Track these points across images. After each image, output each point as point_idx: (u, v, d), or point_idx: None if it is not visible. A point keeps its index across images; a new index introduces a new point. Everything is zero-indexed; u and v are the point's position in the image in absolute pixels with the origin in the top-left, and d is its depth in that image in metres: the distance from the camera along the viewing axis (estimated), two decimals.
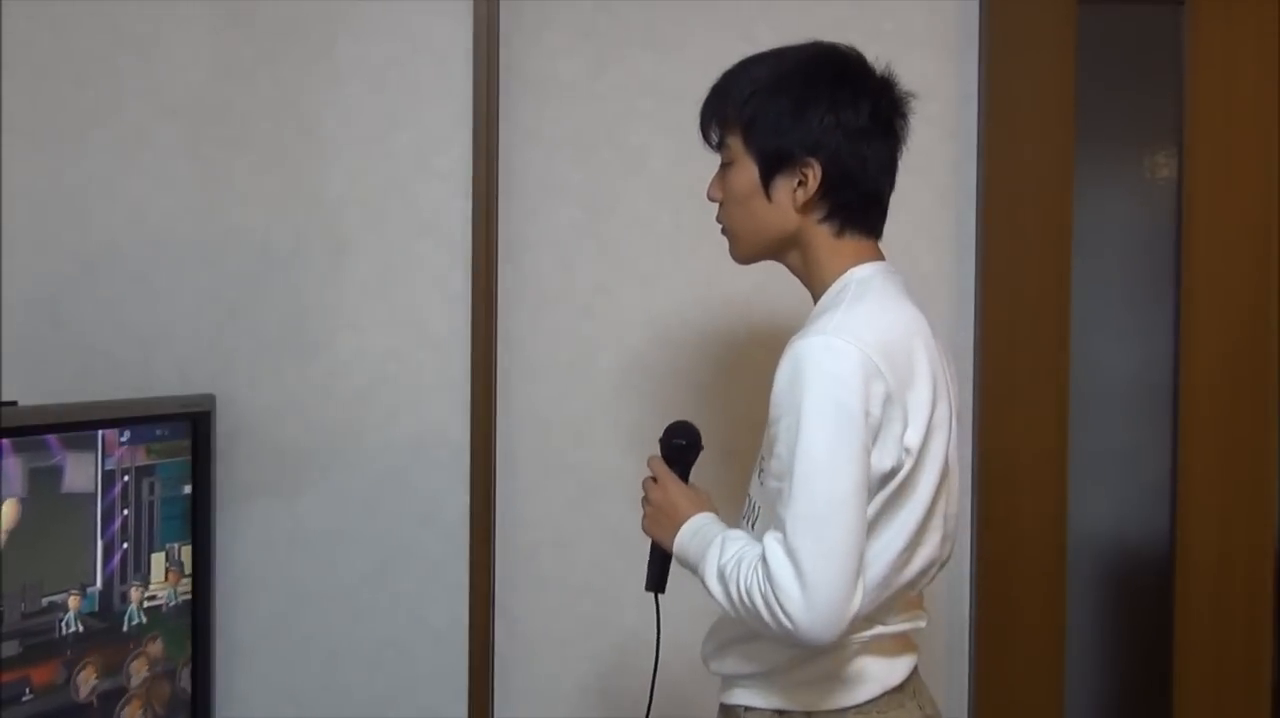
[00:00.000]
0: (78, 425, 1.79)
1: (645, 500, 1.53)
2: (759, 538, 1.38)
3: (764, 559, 1.30)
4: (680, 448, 1.56)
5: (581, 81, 2.14)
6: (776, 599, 1.27)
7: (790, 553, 1.28)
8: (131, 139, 2.10)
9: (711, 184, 1.51)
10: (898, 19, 2.15)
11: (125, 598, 1.87)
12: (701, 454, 1.58)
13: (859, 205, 1.44)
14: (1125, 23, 2.26)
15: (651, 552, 1.55)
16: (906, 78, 1.48)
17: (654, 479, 1.53)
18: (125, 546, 1.87)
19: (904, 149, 1.48)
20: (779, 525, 1.30)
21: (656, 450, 1.57)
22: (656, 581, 1.56)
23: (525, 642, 2.16)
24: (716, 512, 1.48)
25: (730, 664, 1.48)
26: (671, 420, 1.59)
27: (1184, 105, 2.19)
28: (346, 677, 2.15)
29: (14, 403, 1.82)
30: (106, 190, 2.10)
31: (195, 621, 1.99)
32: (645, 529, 1.53)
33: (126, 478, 1.86)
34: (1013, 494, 2.15)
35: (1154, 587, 2.24)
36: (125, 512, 1.87)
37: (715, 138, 1.49)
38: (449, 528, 2.13)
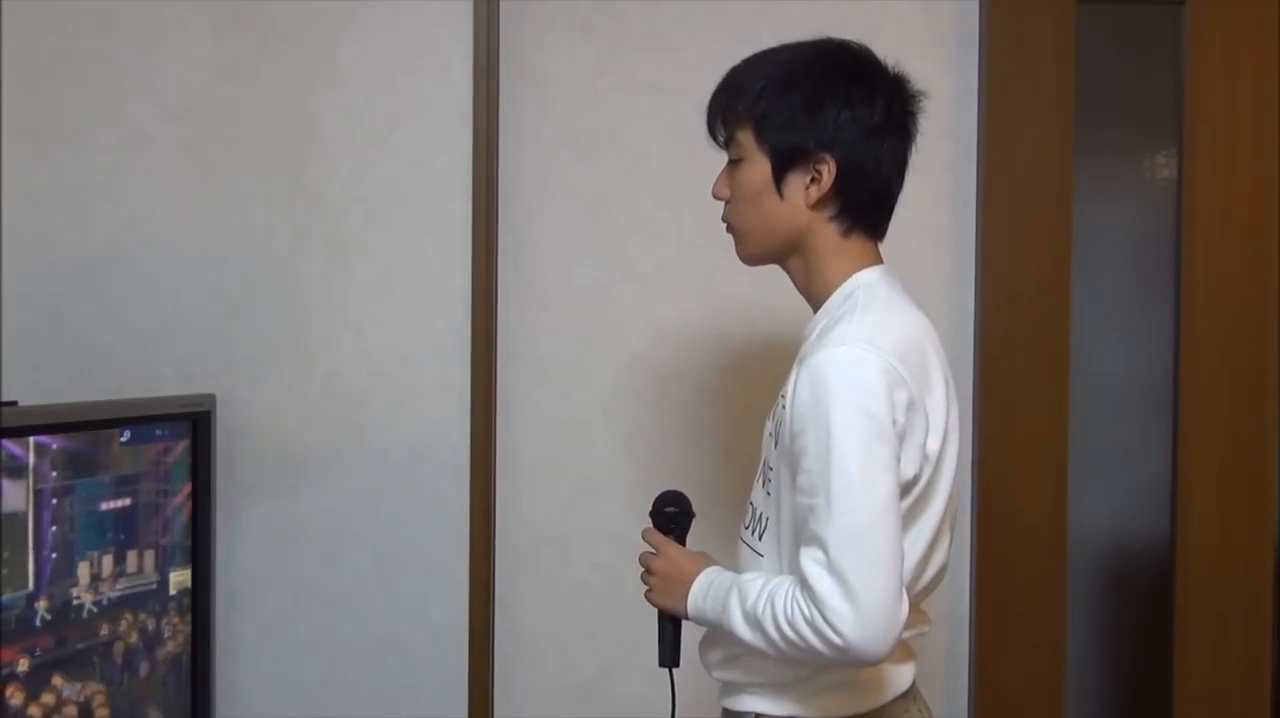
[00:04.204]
0: (78, 426, 1.79)
1: (647, 574, 1.49)
2: (772, 550, 1.38)
3: (804, 585, 1.26)
4: (672, 515, 1.53)
5: (581, 81, 2.14)
6: (826, 621, 1.24)
7: (835, 570, 1.24)
8: (131, 139, 2.10)
9: (718, 181, 1.48)
10: (897, 19, 2.14)
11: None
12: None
13: (869, 204, 1.43)
14: (1125, 23, 2.26)
15: (661, 625, 1.50)
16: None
17: (652, 553, 1.50)
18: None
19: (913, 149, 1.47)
20: (816, 543, 1.26)
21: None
22: (671, 654, 1.51)
23: (525, 641, 2.16)
24: (721, 567, 1.45)
25: (738, 673, 1.45)
26: (665, 488, 1.56)
27: (1184, 105, 2.19)
28: (347, 676, 2.14)
29: (14, 403, 1.82)
30: (106, 190, 2.10)
31: (195, 620, 1.99)
32: (653, 601, 1.49)
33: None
34: (1013, 494, 2.15)
35: (1154, 587, 2.24)
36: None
37: (723, 135, 1.47)
38: (449, 528, 2.13)
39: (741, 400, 2.12)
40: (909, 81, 1.45)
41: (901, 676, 1.44)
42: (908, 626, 1.39)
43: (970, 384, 2.15)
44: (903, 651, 1.44)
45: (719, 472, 2.08)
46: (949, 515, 1.42)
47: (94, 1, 2.09)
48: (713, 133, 1.48)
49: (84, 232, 2.10)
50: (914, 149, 1.46)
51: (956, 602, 2.17)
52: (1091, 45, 2.18)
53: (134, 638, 1.88)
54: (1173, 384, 2.22)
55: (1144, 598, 2.28)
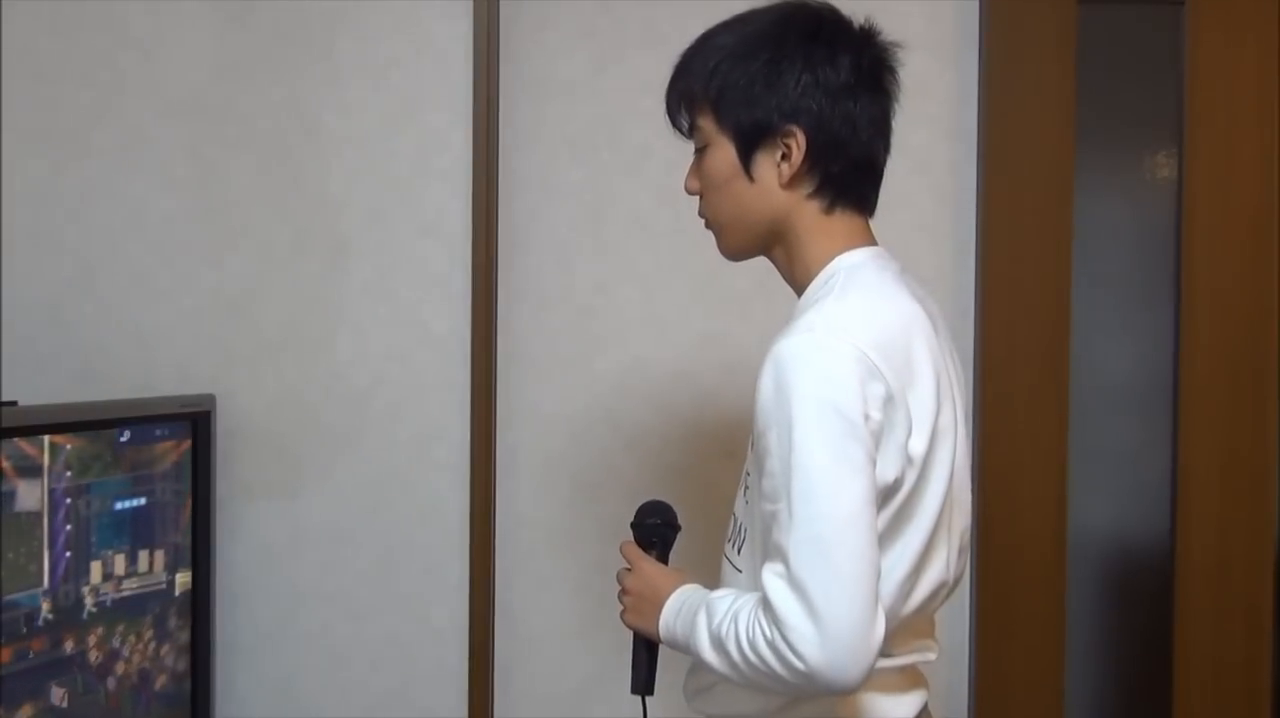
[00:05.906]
0: (78, 426, 1.79)
1: (622, 593, 1.38)
2: (749, 566, 1.27)
3: (764, 602, 1.14)
4: (654, 527, 1.43)
5: (581, 81, 2.14)
6: (787, 642, 1.11)
7: (796, 585, 1.11)
8: (131, 139, 2.10)
9: (688, 175, 1.36)
10: (897, 19, 2.12)
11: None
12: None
13: (851, 174, 1.29)
14: (1125, 23, 2.26)
15: (635, 648, 1.39)
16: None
17: (629, 570, 1.39)
18: None
19: (897, 108, 1.34)
20: (777, 555, 1.14)
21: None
22: (644, 681, 1.38)
23: (525, 641, 2.16)
24: (700, 584, 1.33)
25: (717, 705, 1.33)
26: (648, 499, 1.49)
27: (1184, 105, 2.19)
28: (347, 676, 2.15)
29: (14, 403, 1.82)
30: (106, 190, 2.10)
31: (195, 620, 1.99)
32: (626, 622, 1.37)
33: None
34: (1013, 494, 2.15)
35: (1154, 587, 2.24)
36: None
37: (685, 122, 1.34)
38: (449, 528, 2.13)
39: (742, 402, 2.10)
40: (880, 34, 1.32)
41: (895, 707, 1.29)
42: (906, 648, 1.31)
43: (970, 385, 2.14)
44: (901, 678, 1.31)
45: (718, 473, 2.08)
46: (947, 525, 1.28)
47: (94, 1, 2.09)
48: (674, 123, 1.36)
49: (84, 232, 2.10)
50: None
51: (956, 602, 2.17)
52: (1091, 45, 2.17)
53: (137, 638, 1.88)
54: (1173, 384, 2.21)
55: (1144, 598, 2.28)
